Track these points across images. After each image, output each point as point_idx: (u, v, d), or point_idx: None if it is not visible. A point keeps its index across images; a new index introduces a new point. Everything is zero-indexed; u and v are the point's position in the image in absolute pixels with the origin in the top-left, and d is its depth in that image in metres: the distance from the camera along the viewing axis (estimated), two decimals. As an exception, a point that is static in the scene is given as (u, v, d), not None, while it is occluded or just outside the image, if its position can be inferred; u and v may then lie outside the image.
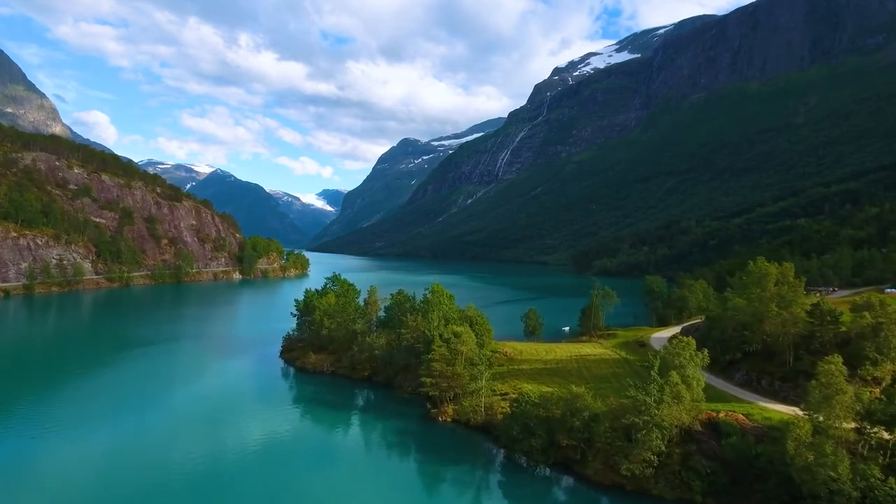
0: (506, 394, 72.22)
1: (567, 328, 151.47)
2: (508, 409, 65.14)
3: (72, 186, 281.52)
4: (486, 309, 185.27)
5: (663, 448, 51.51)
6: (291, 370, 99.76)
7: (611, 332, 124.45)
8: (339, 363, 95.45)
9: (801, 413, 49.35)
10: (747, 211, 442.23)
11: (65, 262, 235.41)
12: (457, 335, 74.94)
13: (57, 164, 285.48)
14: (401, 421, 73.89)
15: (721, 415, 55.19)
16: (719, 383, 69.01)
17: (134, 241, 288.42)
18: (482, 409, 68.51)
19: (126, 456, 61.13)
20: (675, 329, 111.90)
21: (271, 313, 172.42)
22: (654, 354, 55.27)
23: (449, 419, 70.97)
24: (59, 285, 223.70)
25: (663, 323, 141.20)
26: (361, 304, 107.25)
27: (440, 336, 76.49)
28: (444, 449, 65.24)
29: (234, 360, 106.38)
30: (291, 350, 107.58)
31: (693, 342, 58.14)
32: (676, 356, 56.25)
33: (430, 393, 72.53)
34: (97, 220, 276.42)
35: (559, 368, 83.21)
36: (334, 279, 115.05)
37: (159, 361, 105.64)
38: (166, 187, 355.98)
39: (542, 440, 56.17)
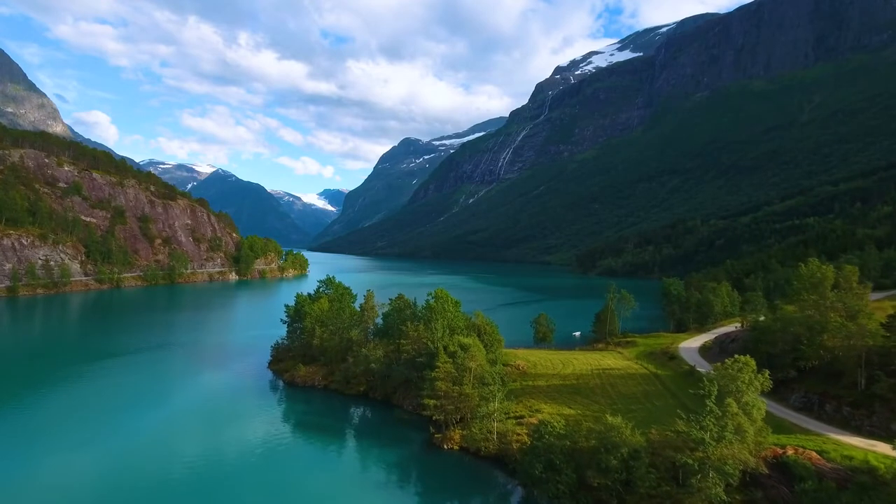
0: (521, 417, 62.37)
1: (578, 333, 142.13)
2: (525, 437, 55.63)
3: (61, 184, 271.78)
4: (490, 312, 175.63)
5: (724, 497, 41.77)
6: (280, 383, 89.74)
7: (629, 339, 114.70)
8: (332, 377, 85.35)
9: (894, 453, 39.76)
10: (754, 210, 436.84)
11: (51, 262, 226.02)
12: (464, 348, 65.25)
13: (46, 161, 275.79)
14: (400, 448, 64.01)
15: (789, 452, 45.45)
16: (773, 407, 58.59)
17: (126, 241, 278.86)
18: (494, 437, 58.43)
19: (87, 483, 52.74)
20: (705, 337, 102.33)
21: (264, 317, 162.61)
22: (710, 380, 45.52)
23: (456, 446, 60.78)
24: (44, 287, 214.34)
25: (681, 328, 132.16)
26: (358, 309, 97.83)
27: (445, 349, 66.90)
28: (451, 483, 55.67)
29: (218, 373, 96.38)
30: (280, 361, 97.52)
31: (752, 362, 48.45)
32: (733, 380, 46.52)
33: (435, 417, 62.68)
34: (87, 219, 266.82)
35: (580, 385, 73.40)
36: (328, 282, 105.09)
37: (134, 374, 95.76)
38: (160, 186, 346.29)
39: (569, 479, 46.49)
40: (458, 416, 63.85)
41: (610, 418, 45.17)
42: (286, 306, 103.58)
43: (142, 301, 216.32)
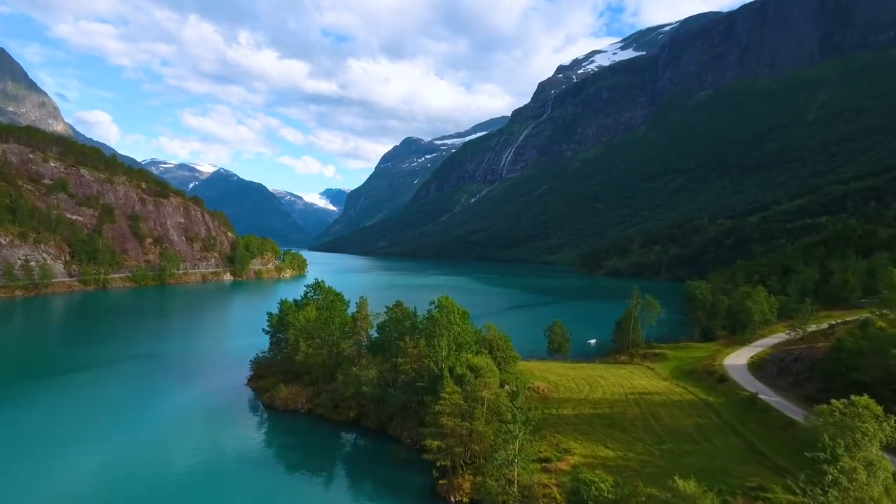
0: (547, 460, 49.89)
1: (593, 341, 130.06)
2: (555, 491, 43.55)
3: (46, 181, 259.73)
4: (495, 317, 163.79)
5: None
6: (259, 405, 77.10)
7: (655, 350, 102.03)
8: (318, 399, 72.74)
9: None
10: (762, 209, 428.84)
11: (32, 262, 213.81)
12: (475, 371, 52.98)
13: (31, 156, 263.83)
14: (396, 496, 50.88)
15: (934, 533, 33.49)
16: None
17: (114, 241, 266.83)
18: (515, 489, 45.43)
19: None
20: (748, 351, 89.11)
21: (254, 322, 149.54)
22: (830, 435, 33.18)
23: (465, 498, 47.62)
24: (24, 289, 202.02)
25: (708, 337, 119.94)
26: (350, 317, 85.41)
27: (450, 371, 54.75)
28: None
29: (189, 391, 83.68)
30: (261, 377, 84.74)
31: (875, 406, 36.25)
32: (849, 430, 34.27)
33: (440, 463, 49.98)
34: (73, 217, 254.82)
35: (615, 415, 60.86)
36: (317, 286, 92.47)
37: (93, 393, 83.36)
38: (153, 183, 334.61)
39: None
40: (469, 455, 51.38)
41: (681, 483, 33.19)
42: (269, 314, 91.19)
43: (126, 304, 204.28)
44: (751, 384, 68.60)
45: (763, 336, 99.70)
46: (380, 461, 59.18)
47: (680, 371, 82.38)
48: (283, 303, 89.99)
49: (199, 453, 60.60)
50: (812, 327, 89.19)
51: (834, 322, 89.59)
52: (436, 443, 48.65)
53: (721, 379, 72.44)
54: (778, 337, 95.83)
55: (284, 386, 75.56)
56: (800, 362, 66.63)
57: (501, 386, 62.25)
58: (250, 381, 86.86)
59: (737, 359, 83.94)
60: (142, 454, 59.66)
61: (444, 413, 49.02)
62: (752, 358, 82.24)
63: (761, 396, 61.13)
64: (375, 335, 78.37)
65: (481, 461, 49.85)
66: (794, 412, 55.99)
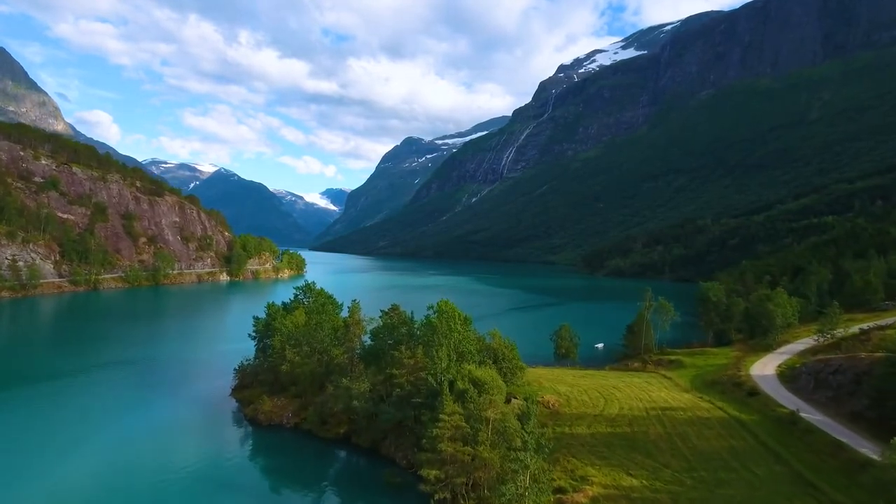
0: (562, 490, 43.30)
1: (601, 345, 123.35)
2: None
3: (37, 179, 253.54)
4: (497, 319, 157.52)
5: None
6: (242, 418, 70.51)
7: (669, 356, 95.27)
8: (305, 413, 66.07)
9: None
10: (765, 209, 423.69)
11: (20, 262, 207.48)
12: (478, 385, 46.60)
13: (21, 154, 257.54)
14: (389, 531, 45.11)
15: None
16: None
17: (107, 240, 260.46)
18: None
19: None
20: (774, 359, 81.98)
21: (248, 325, 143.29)
22: None
23: (469, 535, 41.81)
24: (10, 289, 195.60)
25: (722, 341, 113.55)
26: (343, 321, 78.81)
27: (451, 386, 48.34)
28: None
29: (168, 401, 77.00)
30: (245, 387, 78.06)
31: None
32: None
33: (438, 496, 43.30)
34: (65, 216, 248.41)
35: (636, 435, 53.94)
36: (307, 289, 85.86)
37: (66, 404, 77.12)
38: (147, 181, 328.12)
39: None
40: (471, 485, 44.81)
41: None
42: (255, 319, 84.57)
43: (117, 305, 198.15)
44: (785, 399, 61.57)
45: (787, 341, 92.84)
46: (371, 486, 52.38)
47: (701, 381, 75.50)
48: (270, 306, 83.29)
49: (169, 473, 54.06)
50: (839, 331, 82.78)
51: (864, 326, 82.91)
52: (433, 472, 42.05)
53: (752, 392, 65.29)
54: (803, 343, 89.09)
55: (269, 398, 68.82)
56: (840, 374, 59.74)
57: (508, 400, 55.90)
58: (234, 390, 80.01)
59: (763, 368, 76.61)
60: (107, 475, 53.37)
61: (443, 437, 42.51)
62: (780, 367, 75.16)
63: (802, 414, 54.53)
64: (368, 341, 71.71)
65: (485, 492, 43.28)
66: (843, 434, 49.58)
